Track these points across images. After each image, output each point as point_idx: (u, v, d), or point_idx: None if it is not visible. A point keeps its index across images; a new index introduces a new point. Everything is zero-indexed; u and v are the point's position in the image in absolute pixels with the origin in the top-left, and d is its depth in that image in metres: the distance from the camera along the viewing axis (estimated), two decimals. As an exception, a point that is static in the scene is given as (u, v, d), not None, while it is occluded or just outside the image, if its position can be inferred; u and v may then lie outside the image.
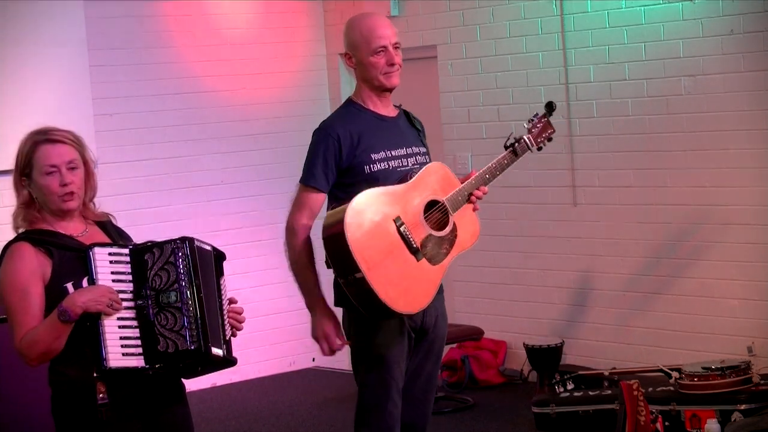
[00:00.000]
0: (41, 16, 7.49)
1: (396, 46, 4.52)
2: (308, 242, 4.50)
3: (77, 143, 3.78)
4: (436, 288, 4.47)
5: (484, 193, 4.59)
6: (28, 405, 5.98)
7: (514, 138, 4.69)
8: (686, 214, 6.96)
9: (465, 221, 4.54)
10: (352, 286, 4.32)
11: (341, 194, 4.49)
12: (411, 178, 4.48)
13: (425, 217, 4.44)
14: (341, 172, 4.49)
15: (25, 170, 3.73)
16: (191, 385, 3.94)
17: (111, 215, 3.95)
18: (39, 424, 5.82)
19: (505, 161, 4.65)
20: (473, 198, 4.55)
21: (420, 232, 4.42)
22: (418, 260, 4.40)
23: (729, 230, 6.77)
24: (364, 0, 8.39)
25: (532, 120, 4.78)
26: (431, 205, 4.48)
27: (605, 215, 7.34)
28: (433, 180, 4.51)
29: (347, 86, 8.57)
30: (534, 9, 7.53)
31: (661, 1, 6.93)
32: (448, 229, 4.48)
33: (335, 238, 4.30)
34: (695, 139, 6.87)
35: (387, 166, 4.50)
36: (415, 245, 4.39)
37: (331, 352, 4.55)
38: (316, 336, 4.56)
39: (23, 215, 3.77)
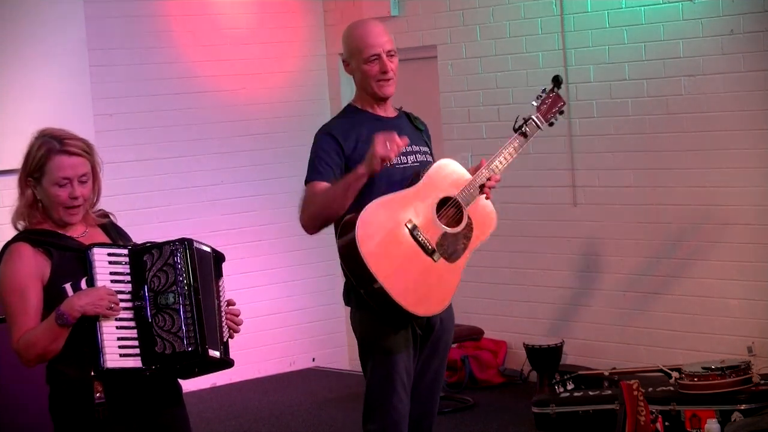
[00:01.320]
0: (41, 16, 7.49)
1: (390, 54, 4.55)
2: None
3: (90, 153, 3.77)
4: (456, 285, 4.50)
5: (497, 182, 4.60)
6: (27, 404, 5.98)
7: (523, 119, 4.73)
8: (686, 214, 6.95)
9: (480, 212, 4.57)
10: (373, 296, 4.36)
11: None
12: (420, 178, 4.50)
13: (438, 215, 4.47)
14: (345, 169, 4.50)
15: (34, 174, 3.72)
16: (190, 385, 3.95)
17: (111, 214, 3.95)
18: (38, 423, 5.82)
19: (516, 143, 4.68)
20: (486, 189, 4.57)
21: (434, 231, 4.45)
22: (435, 261, 4.44)
23: (729, 230, 6.77)
24: (363, 0, 8.39)
25: (540, 96, 4.81)
26: (445, 203, 4.50)
27: (605, 215, 7.33)
28: (442, 177, 4.54)
29: (347, 86, 8.56)
30: (534, 9, 7.53)
31: (661, 1, 6.92)
32: (463, 224, 4.51)
33: (349, 252, 4.34)
34: (695, 139, 6.86)
35: (386, 162, 4.49)
36: (430, 247, 4.43)
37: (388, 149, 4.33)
38: (374, 153, 4.30)
39: (26, 214, 3.76)
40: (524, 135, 4.70)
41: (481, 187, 4.55)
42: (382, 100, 4.60)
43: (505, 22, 7.69)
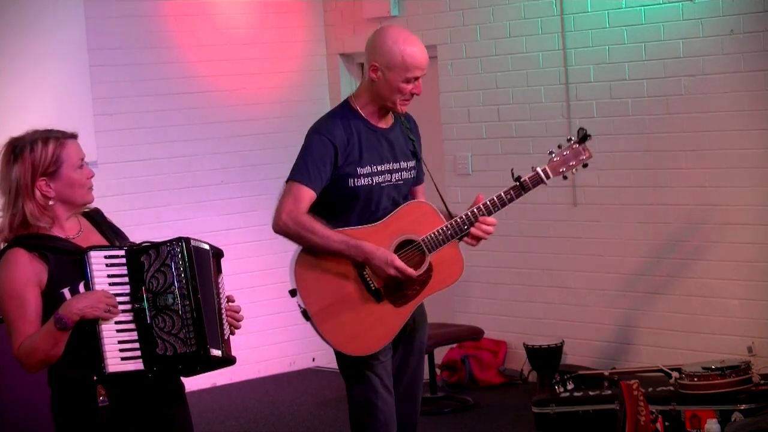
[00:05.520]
0: (41, 16, 7.49)
1: (422, 77, 4.44)
2: (310, 216, 4.37)
3: None
4: (398, 328, 4.39)
5: (490, 228, 4.39)
6: (28, 405, 5.98)
7: (532, 168, 4.48)
8: (686, 214, 6.96)
9: (445, 261, 4.42)
10: (309, 321, 4.36)
11: (319, 204, 4.43)
12: (389, 212, 4.41)
13: (399, 257, 4.34)
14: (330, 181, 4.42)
15: (49, 169, 3.70)
16: (190, 385, 3.94)
17: (96, 207, 3.94)
18: (39, 424, 5.82)
19: (507, 197, 4.45)
20: (470, 239, 4.40)
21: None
22: (378, 302, 4.35)
23: (729, 230, 6.77)
24: (363, 0, 8.39)
25: (561, 146, 4.56)
26: (407, 244, 4.38)
27: (605, 215, 7.34)
28: (409, 219, 4.41)
29: (347, 86, 8.57)
30: (534, 9, 7.53)
31: (661, 1, 6.93)
32: (421, 269, 4.38)
33: (290, 272, 4.36)
34: (695, 139, 6.86)
35: (371, 182, 4.42)
36: (374, 287, 4.35)
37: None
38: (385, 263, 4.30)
39: (40, 218, 3.67)
40: (522, 187, 4.45)
41: (451, 235, 4.38)
42: (389, 112, 4.49)
43: (505, 22, 7.69)
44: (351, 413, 4.50)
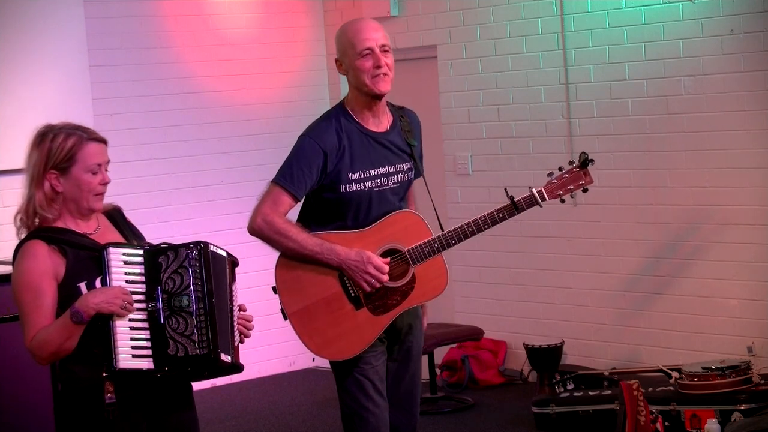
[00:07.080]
0: (41, 15, 7.49)
1: (384, 49, 4.32)
2: (287, 220, 4.34)
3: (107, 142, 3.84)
4: (373, 338, 4.35)
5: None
6: (28, 405, 5.98)
7: (529, 188, 4.41)
8: (686, 214, 6.96)
9: (429, 274, 4.36)
10: (288, 320, 4.36)
11: (310, 206, 4.41)
12: (377, 221, 4.36)
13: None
14: (319, 185, 4.37)
15: (61, 164, 3.70)
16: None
17: (118, 206, 3.95)
18: (39, 423, 5.83)
19: (499, 215, 4.39)
20: None
21: None
22: (357, 309, 4.32)
23: (729, 230, 6.77)
24: (363, 0, 8.39)
25: (561, 169, 4.47)
26: (392, 253, 4.34)
27: (605, 215, 7.34)
28: (397, 228, 4.36)
29: (347, 86, 8.55)
30: (534, 9, 7.53)
31: (661, 1, 6.93)
32: (404, 280, 4.33)
33: (274, 273, 4.32)
34: (695, 139, 6.87)
35: (363, 187, 4.35)
36: (353, 294, 4.31)
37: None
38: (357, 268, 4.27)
39: (45, 208, 3.70)
40: (515, 207, 4.40)
41: (439, 248, 4.29)
42: (377, 98, 4.36)
43: (505, 22, 7.70)
44: (342, 417, 4.47)
